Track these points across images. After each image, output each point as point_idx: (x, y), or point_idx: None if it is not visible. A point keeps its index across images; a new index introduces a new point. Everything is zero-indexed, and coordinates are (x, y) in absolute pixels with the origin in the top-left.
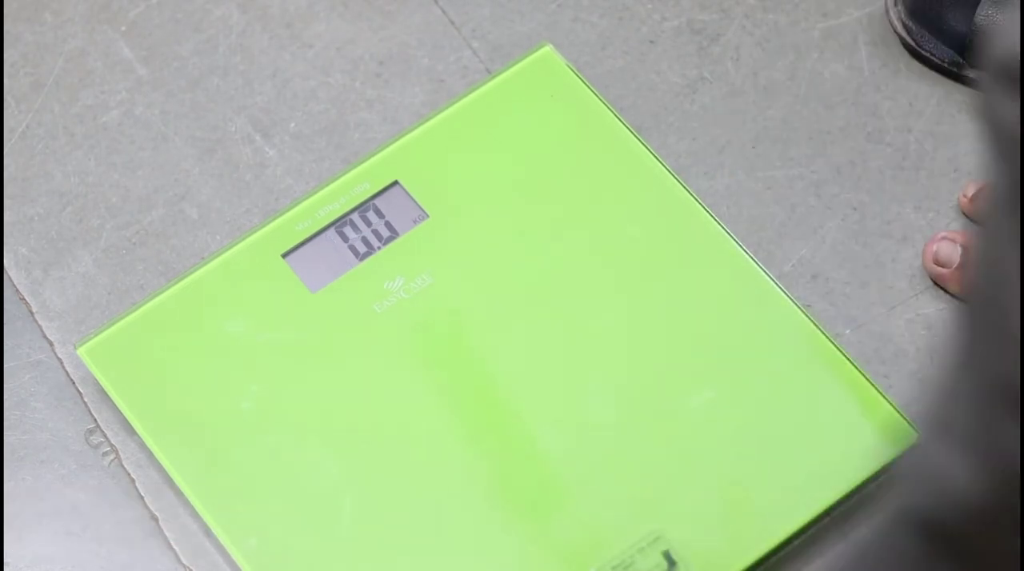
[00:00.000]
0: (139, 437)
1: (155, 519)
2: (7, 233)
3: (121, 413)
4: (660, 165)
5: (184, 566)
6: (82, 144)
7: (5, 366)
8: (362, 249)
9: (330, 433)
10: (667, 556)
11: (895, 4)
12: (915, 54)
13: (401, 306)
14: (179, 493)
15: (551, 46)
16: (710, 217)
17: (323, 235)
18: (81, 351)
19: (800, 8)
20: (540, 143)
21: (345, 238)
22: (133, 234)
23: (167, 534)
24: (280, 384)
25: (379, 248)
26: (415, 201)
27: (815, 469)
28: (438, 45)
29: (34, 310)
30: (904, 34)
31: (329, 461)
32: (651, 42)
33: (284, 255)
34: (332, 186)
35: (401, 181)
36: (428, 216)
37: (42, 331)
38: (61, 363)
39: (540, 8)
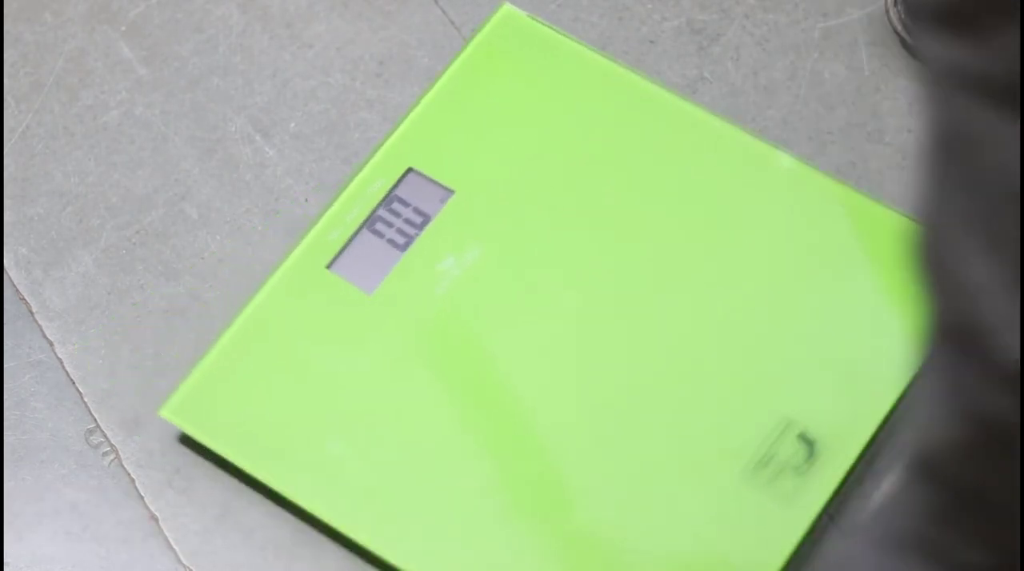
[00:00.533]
0: (139, 438)
1: (155, 519)
2: (7, 233)
3: (216, 455)
4: (658, 87)
5: (184, 566)
6: (82, 144)
7: (5, 366)
8: (401, 240)
9: (435, 419)
10: (803, 438)
11: (895, 4)
12: (915, 54)
13: (460, 283)
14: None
15: (508, 3)
16: (729, 125)
17: (358, 238)
18: (165, 413)
19: (800, 8)
20: (533, 94)
21: (380, 234)
22: (133, 234)
23: (167, 534)
24: (371, 388)
25: (417, 235)
26: (435, 181)
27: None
28: (438, 45)
29: (34, 310)
30: (904, 34)
31: (441, 447)
32: (651, 42)
33: (328, 266)
34: (348, 191)
35: (413, 166)
36: (453, 192)
37: (42, 331)
38: (61, 363)
39: (540, 8)
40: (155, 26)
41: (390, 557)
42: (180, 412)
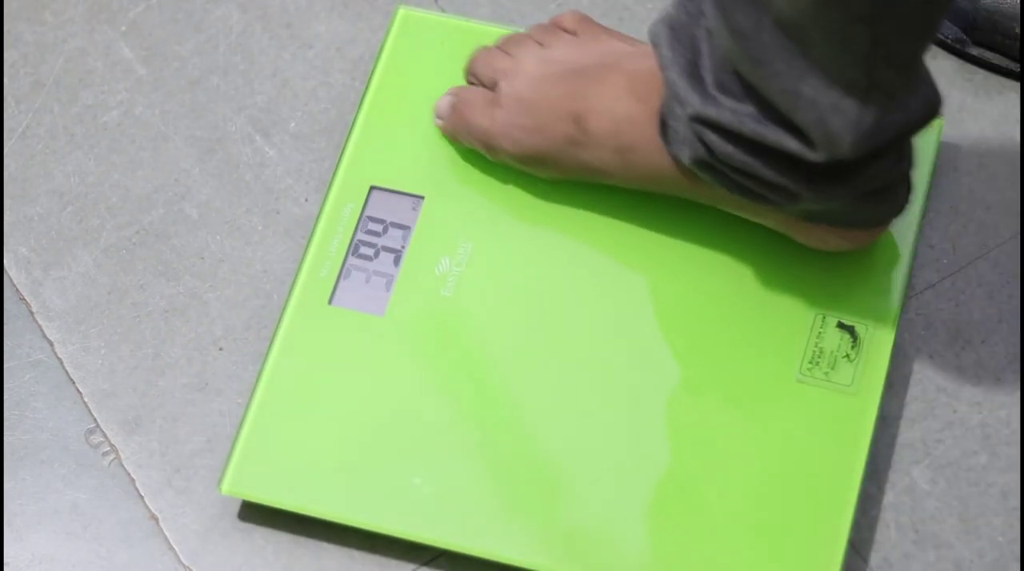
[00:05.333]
0: (139, 438)
1: (155, 519)
2: (7, 233)
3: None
4: None
5: (184, 566)
6: (82, 144)
7: (5, 366)
8: (391, 256)
9: (489, 415)
10: (842, 325)
11: None
12: None
13: (464, 280)
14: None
15: (404, 6)
16: None
17: (348, 267)
18: (225, 489)
19: None
20: (459, 82)
21: (369, 257)
22: (133, 234)
23: (167, 534)
24: (415, 403)
25: (404, 247)
26: (401, 192)
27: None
28: None
29: (34, 310)
30: None
31: (509, 441)
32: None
33: (331, 302)
34: (321, 225)
35: (376, 184)
36: (423, 197)
37: (42, 331)
38: (61, 363)
39: (540, 8)
40: (155, 26)
41: (516, 560)
42: (239, 484)
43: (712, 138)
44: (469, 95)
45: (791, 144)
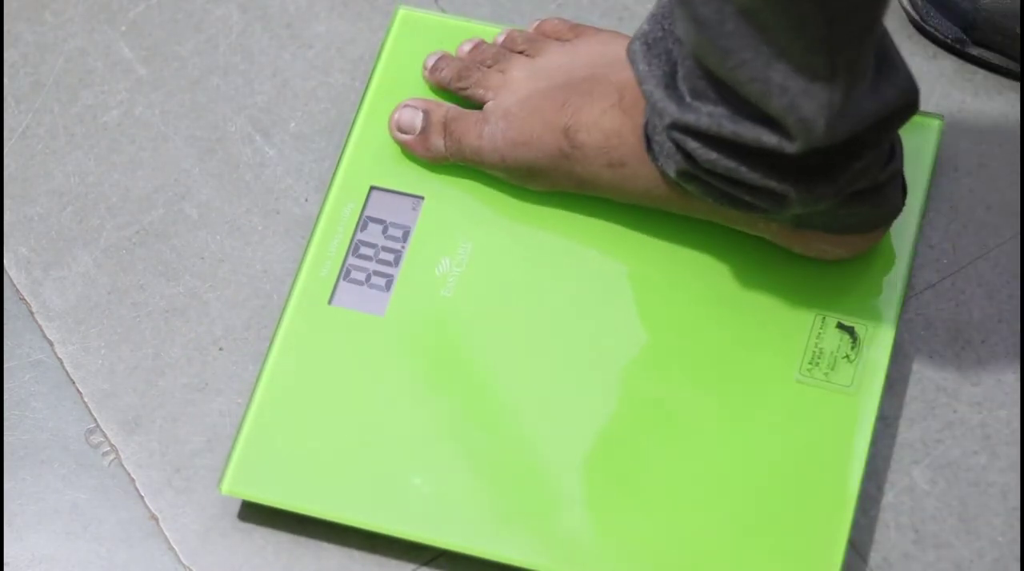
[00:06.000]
0: (139, 438)
1: (155, 519)
2: (7, 233)
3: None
4: None
5: (184, 566)
6: (82, 144)
7: (5, 366)
8: (391, 257)
9: (492, 414)
10: (842, 326)
11: None
12: (920, 30)
13: (464, 280)
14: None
15: (404, 6)
16: None
17: (348, 267)
18: (225, 490)
19: None
20: None
21: (368, 258)
22: (133, 234)
23: (167, 534)
24: (417, 404)
25: (404, 248)
26: (401, 192)
27: None
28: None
29: (34, 310)
30: (910, 9)
31: (512, 438)
32: None
33: (331, 302)
34: (321, 225)
35: (376, 184)
36: (423, 197)
37: (42, 331)
38: (61, 363)
39: (540, 8)
40: (155, 26)
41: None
42: (239, 484)
43: (693, 146)
44: (458, 115)
45: (769, 139)
